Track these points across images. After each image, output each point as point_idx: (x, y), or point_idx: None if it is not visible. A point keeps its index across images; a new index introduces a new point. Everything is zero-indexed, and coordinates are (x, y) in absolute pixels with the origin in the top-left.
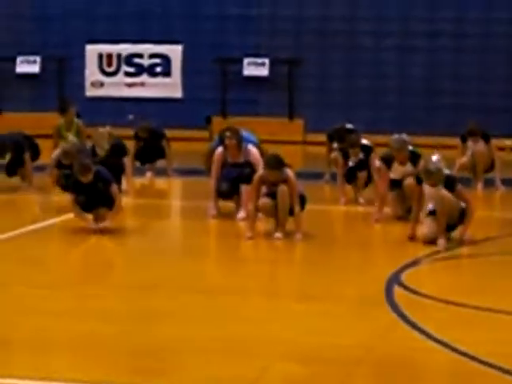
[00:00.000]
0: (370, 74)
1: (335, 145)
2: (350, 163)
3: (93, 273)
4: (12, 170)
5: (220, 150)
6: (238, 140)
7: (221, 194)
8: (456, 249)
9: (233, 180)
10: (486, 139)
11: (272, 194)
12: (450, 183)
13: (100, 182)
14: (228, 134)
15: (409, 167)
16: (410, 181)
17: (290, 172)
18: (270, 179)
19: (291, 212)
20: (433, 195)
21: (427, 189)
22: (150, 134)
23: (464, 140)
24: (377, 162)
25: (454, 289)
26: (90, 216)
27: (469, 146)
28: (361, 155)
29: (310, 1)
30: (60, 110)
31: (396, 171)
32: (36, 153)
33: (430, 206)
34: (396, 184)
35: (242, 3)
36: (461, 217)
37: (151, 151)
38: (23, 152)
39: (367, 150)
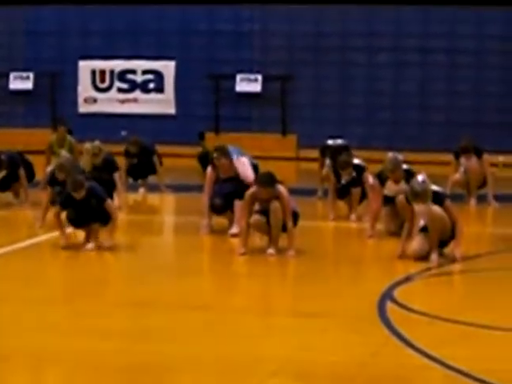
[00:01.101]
0: (363, 90)
1: (328, 161)
2: (343, 181)
3: (88, 289)
4: (5, 185)
5: (210, 169)
6: (226, 158)
7: (214, 209)
8: (448, 265)
9: (226, 195)
10: (479, 155)
11: (264, 211)
12: (438, 199)
13: (93, 199)
14: (215, 154)
15: (402, 185)
16: (402, 198)
17: (282, 188)
18: (263, 196)
19: (284, 228)
20: (423, 212)
21: (418, 206)
22: (140, 149)
23: (457, 156)
24: (370, 179)
25: (446, 305)
26: (81, 232)
27: (462, 163)
28: (353, 174)
29: (302, 17)
30: (53, 126)
31: (390, 188)
32: (31, 173)
33: (421, 223)
34: (389, 200)
35: (234, 19)
36: (453, 233)
37: (143, 167)
38: (18, 168)
39: (359, 169)
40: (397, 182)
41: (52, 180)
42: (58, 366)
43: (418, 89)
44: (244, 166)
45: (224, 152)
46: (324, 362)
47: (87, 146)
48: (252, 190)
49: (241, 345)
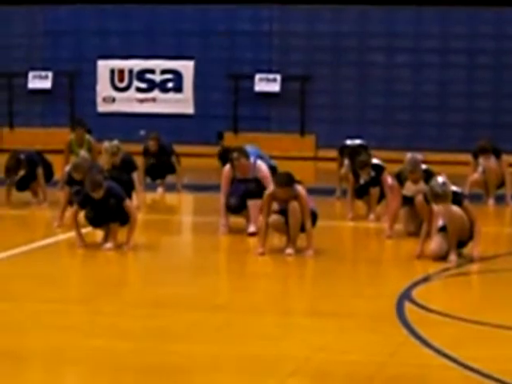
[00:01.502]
0: (382, 91)
1: (346, 161)
2: (361, 181)
3: (105, 289)
4: (23, 185)
5: (228, 167)
6: (246, 159)
7: (230, 209)
8: (467, 265)
9: (242, 195)
10: (497, 155)
11: (283, 211)
12: (457, 199)
13: (112, 198)
14: (235, 154)
15: (421, 185)
16: (421, 198)
17: (300, 189)
18: (281, 197)
19: (302, 228)
20: (443, 212)
21: (437, 206)
22: (159, 148)
23: (476, 156)
24: (389, 179)
25: (465, 305)
26: (100, 231)
27: (480, 163)
28: (372, 173)
29: (321, 17)
30: (71, 127)
31: (409, 189)
32: (50, 172)
33: (440, 223)
34: (408, 201)
35: (253, 19)
36: (471, 233)
37: (162, 167)
38: (36, 167)
39: (378, 169)
40: (416, 182)
41: (70, 180)
42: (77, 366)
43: (437, 90)
44: (265, 170)
45: (244, 152)
46: (342, 362)
47: (106, 145)
48: (270, 190)
49: (259, 345)
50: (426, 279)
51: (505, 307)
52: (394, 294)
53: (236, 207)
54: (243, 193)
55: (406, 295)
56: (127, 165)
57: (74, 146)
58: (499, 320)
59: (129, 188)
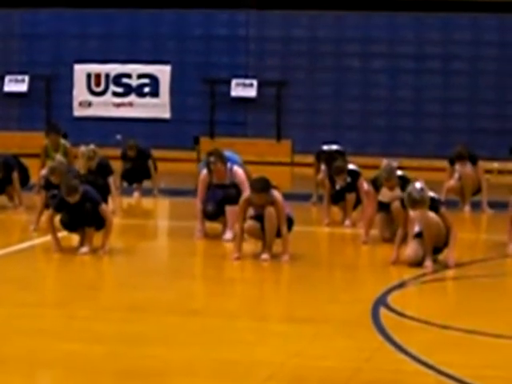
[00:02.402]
0: (358, 96)
1: (323, 166)
2: (337, 186)
3: (80, 293)
4: None
5: (204, 172)
6: (222, 163)
7: (207, 216)
8: (442, 271)
9: (219, 201)
10: (474, 162)
11: (259, 217)
12: (433, 205)
13: (88, 202)
14: (212, 158)
15: (397, 191)
16: (397, 204)
17: (277, 194)
18: (257, 202)
19: (278, 234)
20: (419, 218)
21: (413, 212)
22: (137, 153)
23: (452, 163)
24: (365, 185)
25: (440, 311)
26: (76, 236)
27: (456, 169)
28: (348, 179)
29: (297, 22)
30: (45, 132)
31: (385, 195)
32: (26, 176)
33: (416, 229)
34: (384, 207)
35: (230, 24)
36: (447, 239)
37: (138, 171)
38: (12, 171)
39: (354, 174)
40: (391, 189)
41: (47, 184)
42: (52, 370)
43: (413, 95)
44: (242, 175)
45: (221, 156)
46: (318, 368)
47: (82, 149)
48: (246, 195)
49: (235, 350)
50: (401, 285)
51: (479, 313)
52: (369, 300)
53: (213, 214)
54: (220, 199)
55: (381, 301)
56: (103, 169)
57: (49, 150)
58: (474, 326)
59: (105, 192)
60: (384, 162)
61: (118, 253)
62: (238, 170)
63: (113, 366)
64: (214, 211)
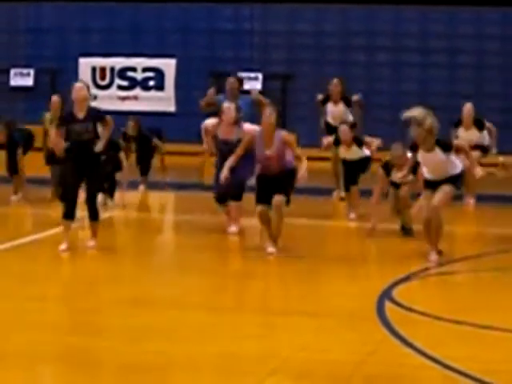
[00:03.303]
0: (363, 89)
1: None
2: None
3: (83, 287)
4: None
5: (212, 121)
6: (236, 114)
7: (217, 200)
8: (447, 265)
9: (225, 190)
10: (484, 152)
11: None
12: (445, 145)
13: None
14: (225, 105)
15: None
16: (404, 192)
17: (285, 133)
18: (264, 127)
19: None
20: (428, 161)
21: (422, 155)
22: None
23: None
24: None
25: (445, 305)
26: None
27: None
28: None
29: (302, 15)
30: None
31: (396, 176)
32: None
33: (426, 175)
34: (396, 186)
35: (234, 18)
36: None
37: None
38: (17, 146)
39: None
40: (400, 168)
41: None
42: (55, 364)
43: (418, 89)
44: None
45: (236, 108)
46: (322, 361)
47: None
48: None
49: (239, 344)
50: (406, 278)
51: (485, 307)
52: (374, 293)
53: (222, 198)
54: (226, 190)
55: (386, 294)
56: (113, 145)
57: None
58: (479, 320)
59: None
60: (393, 145)
61: (122, 247)
62: (249, 127)
63: (115, 360)
64: (224, 196)
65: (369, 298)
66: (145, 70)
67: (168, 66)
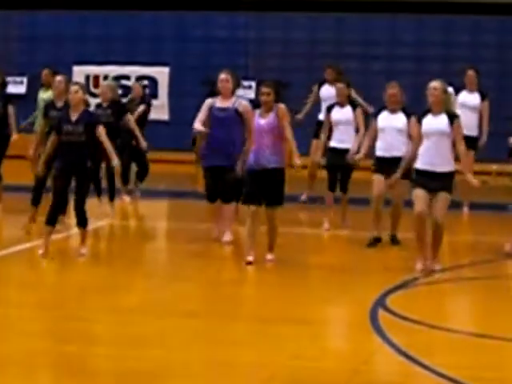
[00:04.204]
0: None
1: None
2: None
3: (78, 295)
4: None
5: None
6: (233, 83)
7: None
8: (440, 273)
9: (218, 189)
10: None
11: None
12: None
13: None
14: (222, 76)
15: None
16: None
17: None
18: (261, 97)
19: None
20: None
21: (429, 120)
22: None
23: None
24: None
25: (438, 313)
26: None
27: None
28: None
29: (297, 24)
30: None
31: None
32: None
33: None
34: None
35: (229, 26)
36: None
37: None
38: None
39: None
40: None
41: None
42: (49, 372)
43: (412, 97)
44: (247, 107)
45: (234, 75)
46: (316, 369)
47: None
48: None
49: (233, 352)
50: (400, 287)
51: (477, 315)
52: (367, 302)
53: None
54: (220, 187)
55: (380, 302)
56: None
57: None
58: (472, 328)
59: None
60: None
61: (116, 255)
62: (246, 104)
63: (110, 367)
64: (215, 194)
65: (362, 306)
66: (139, 78)
67: (162, 74)
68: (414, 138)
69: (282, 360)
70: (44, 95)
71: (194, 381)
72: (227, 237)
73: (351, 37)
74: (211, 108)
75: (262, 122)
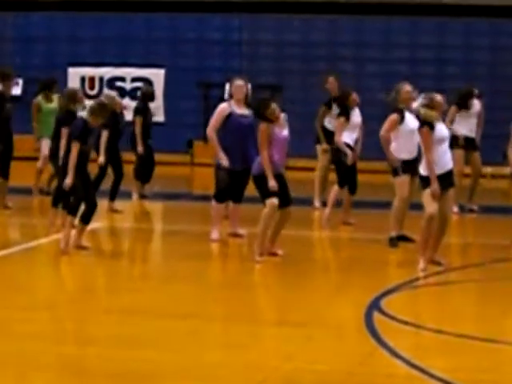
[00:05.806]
0: None
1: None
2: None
3: (72, 296)
4: None
5: (224, 104)
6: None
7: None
8: (436, 275)
9: (231, 188)
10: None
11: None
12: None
13: None
14: (237, 83)
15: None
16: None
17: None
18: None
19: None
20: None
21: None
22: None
23: None
24: None
25: (433, 315)
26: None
27: None
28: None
29: (291, 26)
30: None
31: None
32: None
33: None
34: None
35: (223, 28)
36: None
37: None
38: None
39: None
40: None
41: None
42: (44, 373)
43: None
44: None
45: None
46: (311, 371)
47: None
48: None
49: (228, 353)
50: (395, 289)
51: (472, 317)
52: (362, 304)
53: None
54: (234, 187)
55: (374, 305)
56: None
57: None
58: (467, 330)
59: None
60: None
61: (111, 256)
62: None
63: (105, 368)
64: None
65: (357, 308)
66: (134, 79)
67: (157, 75)
68: (429, 145)
69: (276, 362)
70: (50, 105)
71: (187, 382)
72: (214, 235)
73: (345, 39)
74: (229, 115)
75: (285, 132)
